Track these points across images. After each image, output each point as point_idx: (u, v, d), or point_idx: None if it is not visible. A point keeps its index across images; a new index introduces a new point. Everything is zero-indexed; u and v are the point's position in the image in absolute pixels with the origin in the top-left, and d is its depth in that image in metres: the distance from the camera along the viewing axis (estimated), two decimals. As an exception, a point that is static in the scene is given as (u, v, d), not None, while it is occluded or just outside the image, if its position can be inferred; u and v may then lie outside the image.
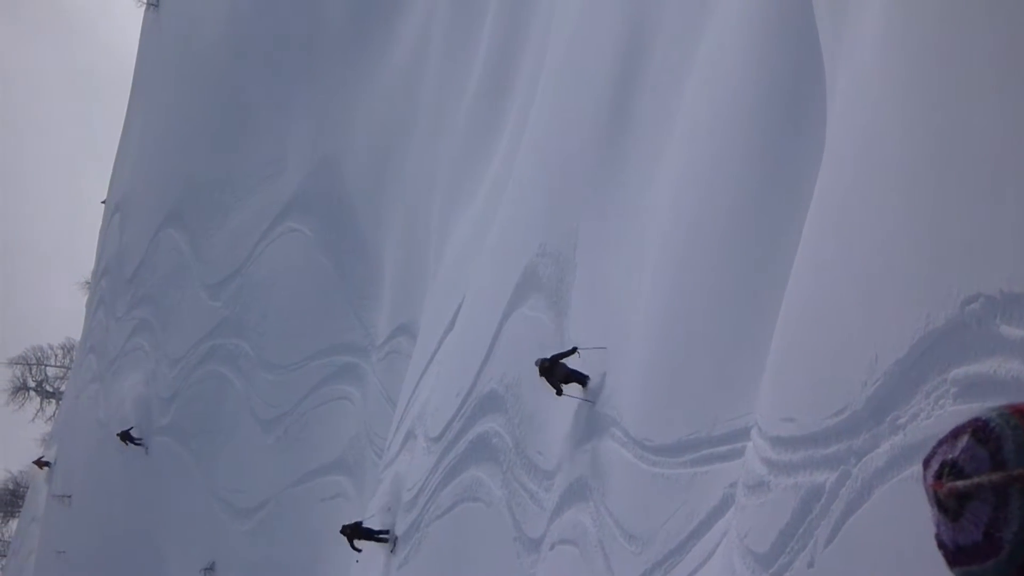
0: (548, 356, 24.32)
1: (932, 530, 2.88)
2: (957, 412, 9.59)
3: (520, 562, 25.12)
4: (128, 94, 74.35)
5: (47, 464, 70.43)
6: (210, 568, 50.80)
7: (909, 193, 10.68)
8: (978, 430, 2.81)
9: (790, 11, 18.08)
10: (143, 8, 72.86)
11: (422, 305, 38.89)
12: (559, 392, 23.88)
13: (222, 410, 53.32)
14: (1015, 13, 9.27)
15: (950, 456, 2.82)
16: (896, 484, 10.29)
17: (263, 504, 48.70)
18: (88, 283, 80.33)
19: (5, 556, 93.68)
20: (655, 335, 20.84)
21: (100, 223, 73.94)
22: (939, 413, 9.85)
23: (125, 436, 56.00)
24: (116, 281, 65.59)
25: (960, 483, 2.77)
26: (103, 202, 74.98)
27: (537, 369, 24.42)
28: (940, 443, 2.88)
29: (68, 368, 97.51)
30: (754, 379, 15.55)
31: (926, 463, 2.89)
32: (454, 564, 28.74)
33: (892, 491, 10.38)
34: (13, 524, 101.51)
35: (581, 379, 23.78)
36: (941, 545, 2.84)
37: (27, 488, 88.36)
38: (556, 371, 23.91)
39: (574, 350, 23.99)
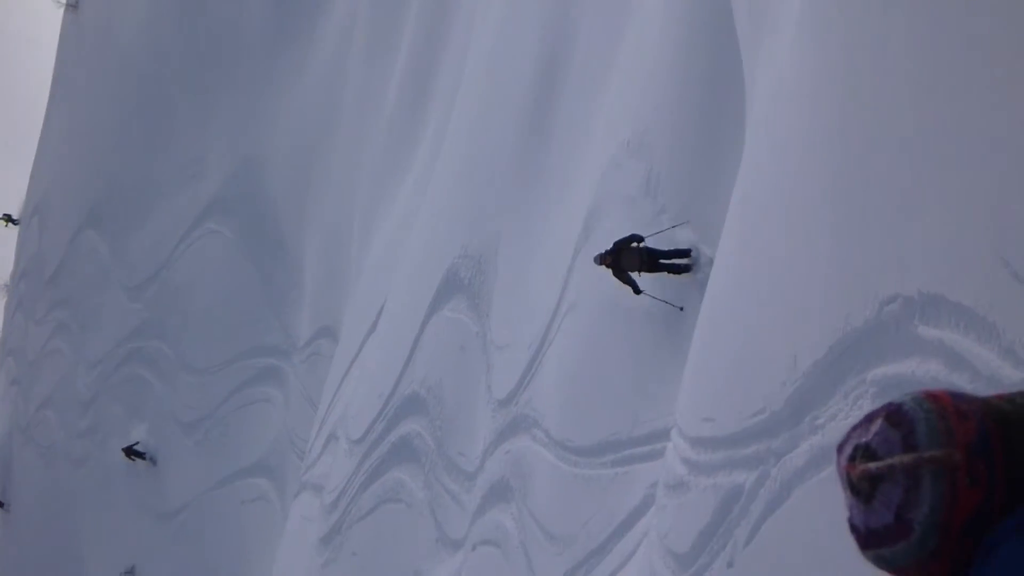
0: (609, 249, 18.51)
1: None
2: (875, 412, 9.67)
3: (442, 563, 25.12)
4: (47, 96, 73.47)
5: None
6: (130, 572, 50.27)
7: (827, 196, 10.77)
8: (891, 414, 2.85)
9: (710, 18, 18.16)
10: (62, 9, 71.91)
11: (344, 307, 38.72)
12: (636, 290, 18.25)
13: (142, 413, 52.81)
14: (934, 19, 9.37)
15: (863, 440, 2.86)
16: (814, 484, 10.36)
17: (184, 507, 48.29)
18: (7, 286, 79.21)
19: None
20: (576, 336, 20.89)
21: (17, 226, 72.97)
22: (857, 414, 9.91)
23: (130, 452, 53.15)
24: (35, 283, 64.85)
25: (873, 465, 2.80)
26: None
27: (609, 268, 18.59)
28: (854, 428, 2.92)
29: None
30: (674, 379, 15.62)
31: (840, 448, 2.92)
32: (376, 565, 28.68)
33: (810, 491, 10.46)
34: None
35: (682, 256, 18.13)
36: (853, 529, 2.87)
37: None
38: (623, 261, 18.28)
39: (640, 239, 18.35)
